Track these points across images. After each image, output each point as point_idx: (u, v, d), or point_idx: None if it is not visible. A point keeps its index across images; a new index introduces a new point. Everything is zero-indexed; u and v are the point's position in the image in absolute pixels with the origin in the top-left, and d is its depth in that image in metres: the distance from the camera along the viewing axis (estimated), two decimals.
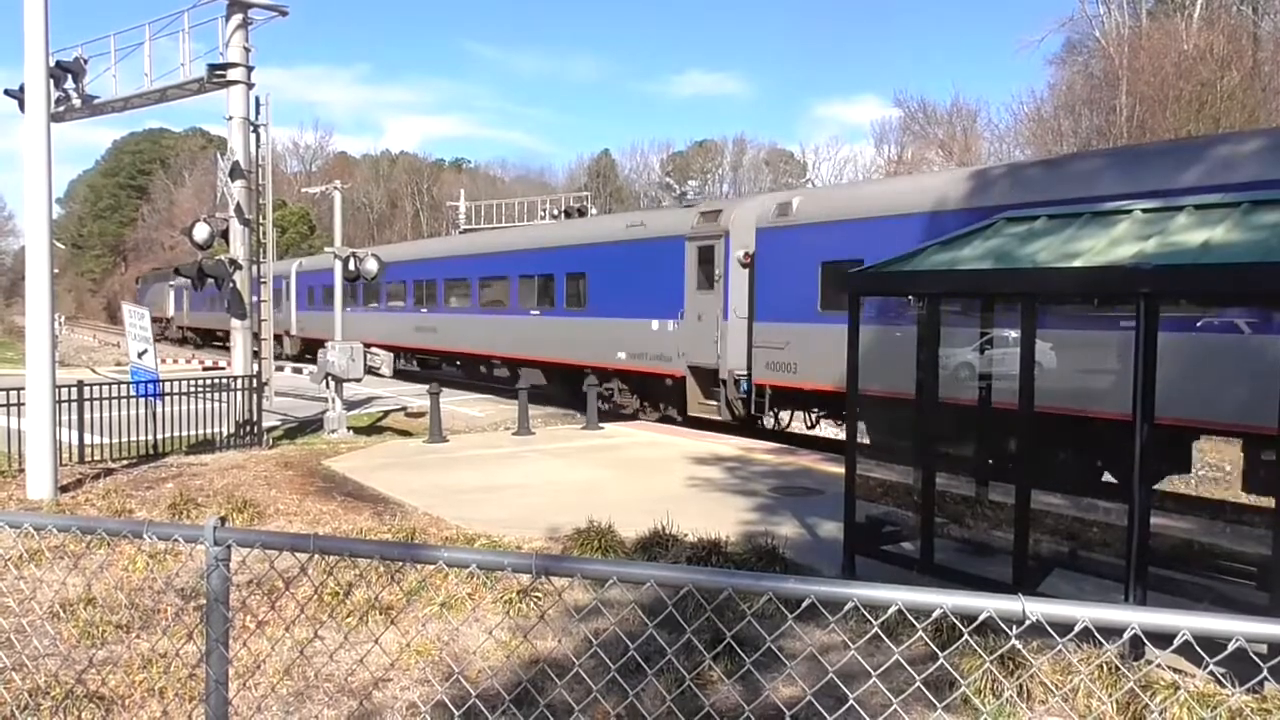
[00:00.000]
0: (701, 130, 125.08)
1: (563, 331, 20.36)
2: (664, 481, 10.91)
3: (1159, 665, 4.58)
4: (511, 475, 11.42)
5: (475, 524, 8.49)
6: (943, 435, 7.18)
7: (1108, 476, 10.60)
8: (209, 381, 14.34)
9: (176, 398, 13.22)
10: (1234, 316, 9.08)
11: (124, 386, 12.77)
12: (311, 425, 16.80)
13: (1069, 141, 33.88)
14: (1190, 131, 26.93)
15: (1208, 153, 10.40)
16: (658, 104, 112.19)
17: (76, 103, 14.48)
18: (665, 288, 17.13)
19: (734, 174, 68.42)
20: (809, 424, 16.47)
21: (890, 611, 2.12)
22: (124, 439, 12.49)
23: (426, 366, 28.03)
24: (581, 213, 29.89)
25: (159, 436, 12.87)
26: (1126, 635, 1.96)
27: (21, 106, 10.63)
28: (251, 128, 14.48)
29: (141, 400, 12.57)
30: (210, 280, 14.41)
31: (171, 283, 51.20)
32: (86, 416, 12.07)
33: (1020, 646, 2.29)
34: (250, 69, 14.35)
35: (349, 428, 16.06)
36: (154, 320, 13.56)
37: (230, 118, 14.36)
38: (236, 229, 14.43)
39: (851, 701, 2.84)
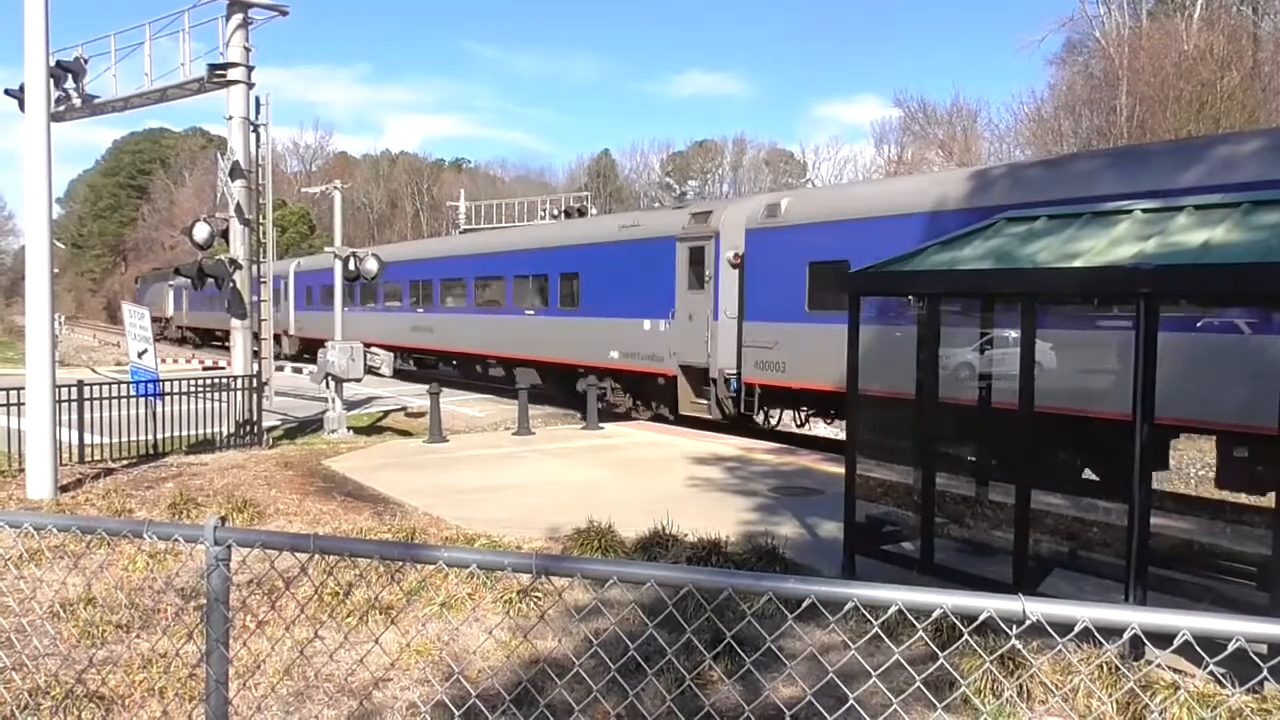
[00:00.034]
0: (701, 130, 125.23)
1: (557, 331, 20.51)
2: (664, 481, 10.91)
3: (1159, 665, 4.58)
4: (511, 475, 11.42)
5: (475, 524, 8.50)
6: (942, 435, 7.18)
7: (1089, 474, 10.65)
8: (209, 381, 14.35)
9: (176, 397, 13.22)
10: (1227, 316, 9.09)
11: (124, 386, 12.77)
12: (311, 425, 16.81)
13: (1069, 142, 33.88)
14: (1190, 132, 26.93)
15: (1208, 153, 10.40)
16: (658, 104, 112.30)
17: (77, 102, 14.47)
18: (657, 288, 17.31)
19: (734, 174, 68.43)
20: (799, 422, 16.65)
21: (890, 611, 2.12)
22: (124, 439, 12.49)
23: (423, 366, 28.12)
24: (581, 213, 29.89)
25: (159, 436, 12.87)
26: (1126, 635, 1.96)
27: (21, 106, 10.64)
28: (251, 127, 14.48)
29: (141, 400, 12.57)
30: (210, 280, 14.42)
31: (171, 282, 51.25)
32: (86, 416, 12.07)
33: (1020, 646, 2.29)
34: (250, 69, 14.35)
35: (349, 428, 16.06)
36: (153, 320, 13.56)
37: (230, 117, 14.36)
38: (236, 229, 14.44)
39: (851, 701, 2.84)
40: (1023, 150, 37.58)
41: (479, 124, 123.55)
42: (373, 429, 17.28)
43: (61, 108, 13.89)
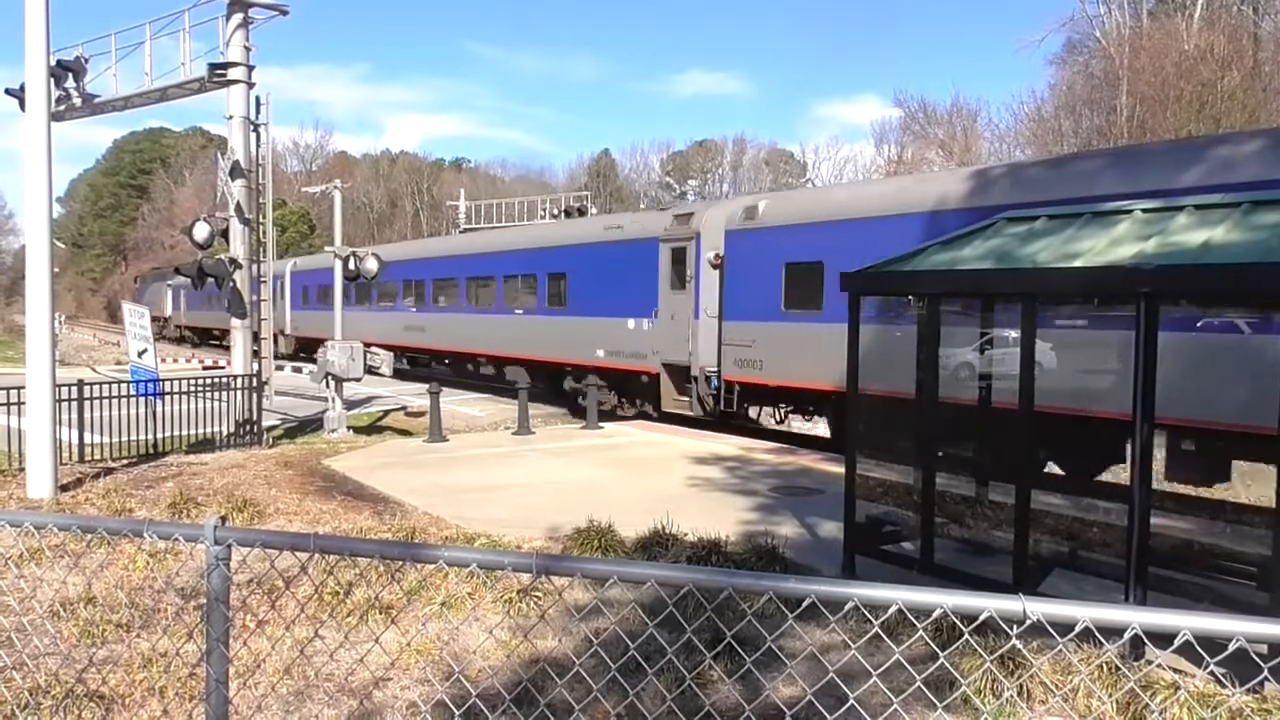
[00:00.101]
0: (702, 130, 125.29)
1: (545, 330, 20.90)
2: (664, 481, 10.91)
3: (1159, 665, 4.59)
4: (511, 474, 11.42)
5: (475, 523, 8.50)
6: (941, 435, 7.18)
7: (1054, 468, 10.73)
8: (209, 381, 14.35)
9: (176, 397, 13.22)
10: (1225, 317, 9.12)
11: (124, 385, 12.77)
12: (311, 425, 16.81)
13: (1069, 142, 33.88)
14: (1191, 132, 26.93)
15: (1208, 153, 10.41)
16: (658, 104, 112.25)
17: (77, 102, 14.47)
18: (641, 288, 17.67)
19: (734, 174, 68.44)
20: (777, 419, 16.96)
21: (890, 611, 2.12)
22: (124, 438, 12.49)
23: (416, 365, 28.30)
24: (581, 212, 29.90)
25: (159, 436, 12.87)
26: (1127, 635, 1.96)
27: (22, 105, 10.63)
28: (252, 127, 14.48)
29: (141, 399, 12.57)
30: (210, 279, 14.42)
31: (169, 282, 51.31)
32: (87, 415, 12.07)
33: (1020, 646, 2.29)
34: (250, 68, 14.35)
35: (349, 427, 16.06)
36: (152, 319, 13.56)
37: (230, 117, 14.36)
38: (236, 228, 14.44)
39: (852, 701, 2.85)
40: (1023, 150, 37.60)
41: (479, 124, 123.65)
42: (373, 428, 17.29)
43: (62, 107, 13.88)
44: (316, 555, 2.98)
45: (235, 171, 14.32)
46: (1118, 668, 4.74)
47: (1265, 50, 31.82)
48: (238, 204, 14.38)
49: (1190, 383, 8.72)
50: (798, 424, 17.41)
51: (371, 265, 17.25)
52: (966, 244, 6.53)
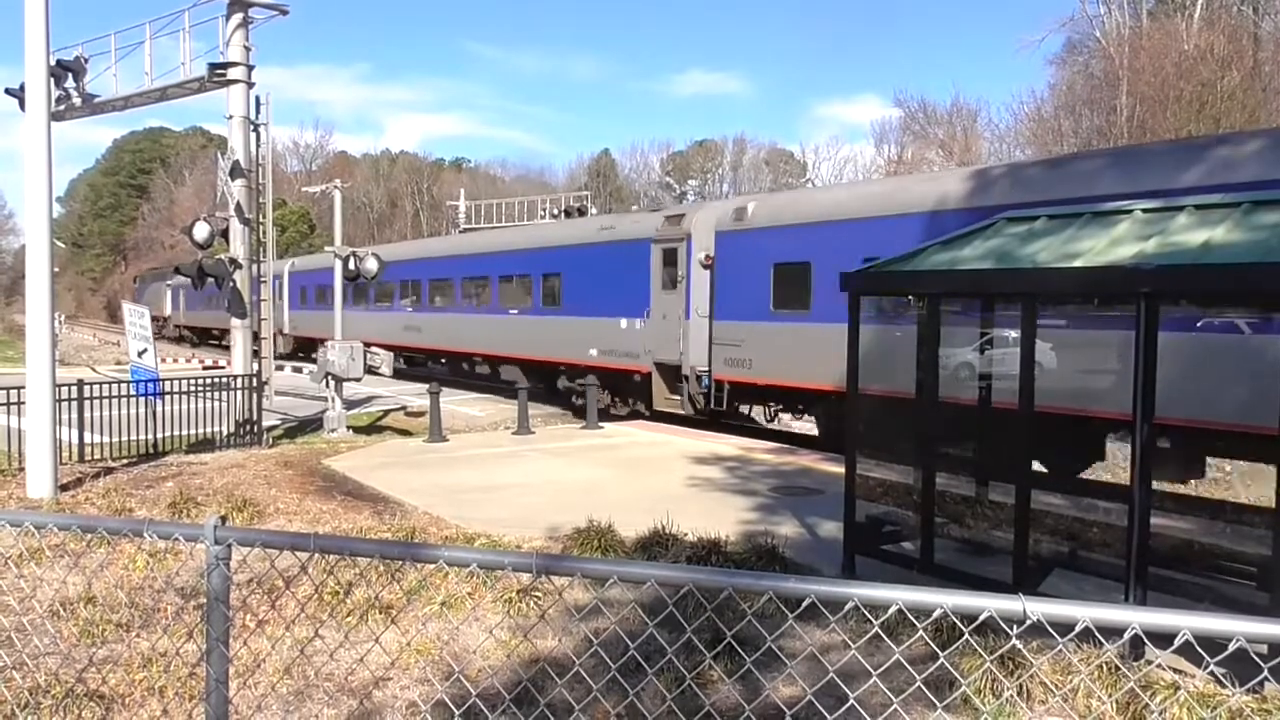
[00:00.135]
0: (702, 130, 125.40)
1: (540, 330, 21.13)
2: (664, 481, 10.91)
3: (1159, 665, 4.59)
4: (511, 474, 11.42)
5: (475, 523, 8.50)
6: (939, 435, 7.19)
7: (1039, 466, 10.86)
8: (209, 380, 14.35)
9: (176, 397, 13.22)
10: (1222, 316, 9.15)
11: (124, 385, 12.77)
12: (311, 424, 16.81)
13: (1069, 142, 33.87)
14: (1191, 132, 26.93)
15: (1208, 153, 10.41)
16: (658, 103, 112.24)
17: (77, 101, 14.47)
18: (633, 288, 17.88)
19: (734, 174, 68.45)
20: (768, 417, 17.20)
21: (890, 611, 2.12)
22: (124, 438, 12.49)
23: (413, 364, 28.42)
24: (581, 212, 29.91)
25: (159, 435, 12.87)
26: (1127, 635, 1.96)
27: (22, 105, 10.63)
28: (252, 127, 14.48)
29: (141, 399, 12.57)
30: (210, 279, 14.42)
31: (169, 282, 51.36)
32: (86, 415, 12.07)
33: (1020, 646, 2.29)
34: (250, 68, 14.35)
35: (349, 427, 16.06)
36: (151, 319, 13.57)
37: (230, 117, 14.36)
38: (236, 228, 14.44)
39: (852, 701, 2.85)
40: (1023, 150, 37.60)
41: (479, 123, 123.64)
42: (372, 428, 17.29)
43: (62, 107, 13.88)
44: (316, 555, 2.98)
45: (235, 171, 14.32)
46: (1118, 668, 4.74)
47: (1265, 50, 31.82)
48: (238, 204, 14.38)
49: (1190, 383, 8.72)
50: (798, 424, 17.61)
51: (372, 265, 17.25)
52: (966, 244, 6.53)
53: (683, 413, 16.89)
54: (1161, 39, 32.32)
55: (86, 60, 14.46)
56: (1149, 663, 4.76)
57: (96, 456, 12.26)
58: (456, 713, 3.42)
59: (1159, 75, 30.50)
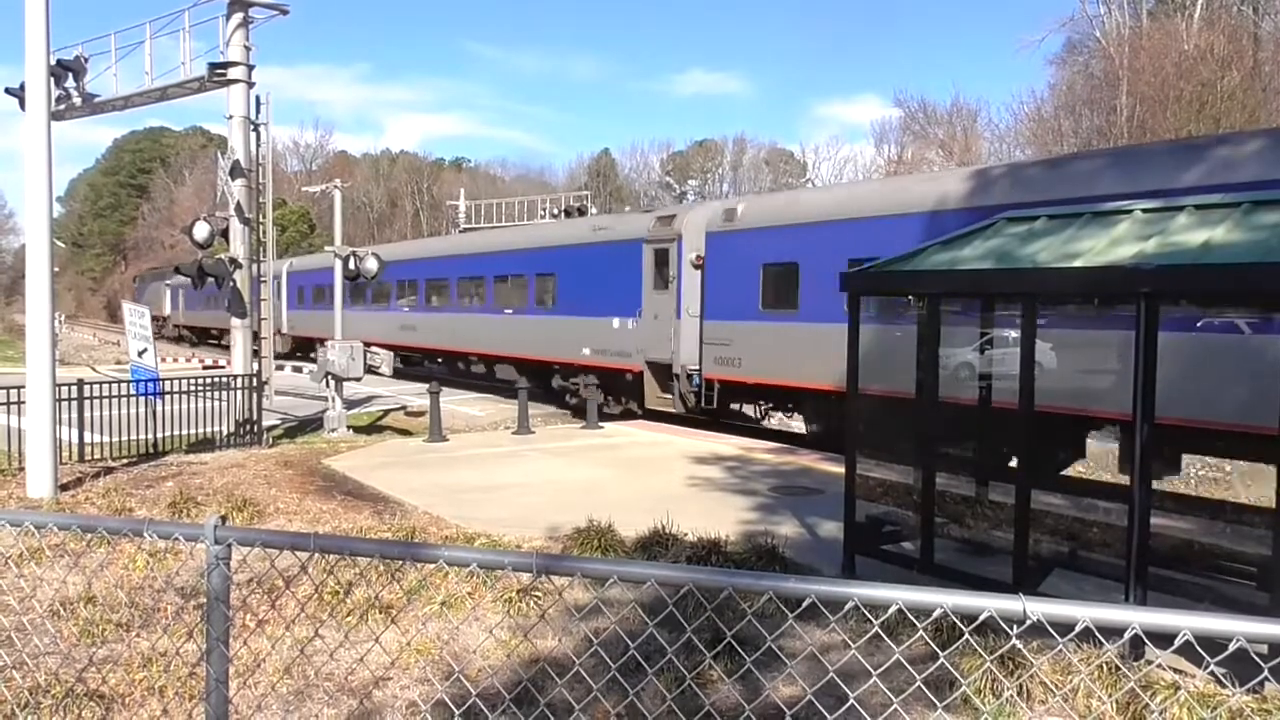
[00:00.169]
0: (702, 130, 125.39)
1: (534, 330, 21.40)
2: (664, 481, 10.91)
3: (1159, 665, 4.59)
4: (511, 474, 11.42)
5: (475, 523, 8.50)
6: (935, 434, 7.19)
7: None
8: (209, 380, 14.35)
9: (176, 396, 13.22)
10: (1218, 316, 9.19)
11: (124, 385, 12.77)
12: (311, 424, 16.81)
13: (1069, 141, 33.87)
14: (1190, 131, 26.93)
15: (1208, 153, 10.41)
16: (658, 103, 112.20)
17: (77, 101, 14.47)
18: (625, 288, 18.12)
19: (734, 174, 68.42)
20: (758, 416, 17.45)
21: (890, 611, 2.12)
22: (124, 437, 12.49)
23: (409, 363, 28.54)
24: (581, 212, 29.93)
25: (159, 435, 12.87)
26: (1127, 635, 1.96)
27: (22, 105, 10.63)
28: (252, 126, 14.48)
29: (141, 399, 12.57)
30: (210, 279, 14.42)
31: (168, 282, 51.41)
32: (87, 415, 12.07)
33: (1020, 646, 2.29)
34: (250, 68, 14.35)
35: (349, 427, 16.06)
36: (151, 319, 13.56)
37: (230, 116, 14.36)
38: (236, 228, 14.44)
39: (852, 701, 2.85)
40: (1023, 150, 37.59)
41: (479, 123, 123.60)
42: (373, 428, 17.29)
43: (62, 106, 13.88)
44: (316, 555, 2.98)
45: (235, 171, 14.32)
46: (1118, 668, 4.74)
47: (1265, 50, 31.82)
48: (238, 203, 14.38)
49: (1189, 383, 8.72)
50: (797, 424, 17.73)
51: (372, 265, 17.25)
52: (966, 244, 6.53)
53: (674, 411, 17.13)
54: (1161, 39, 32.32)
55: (86, 60, 14.46)
56: (1149, 663, 4.76)
57: (96, 456, 12.26)
58: (456, 713, 3.42)
59: (1159, 75, 30.50)
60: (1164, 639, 1.97)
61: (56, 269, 11.92)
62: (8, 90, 13.26)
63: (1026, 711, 4.54)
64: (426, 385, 15.88)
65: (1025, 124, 39.22)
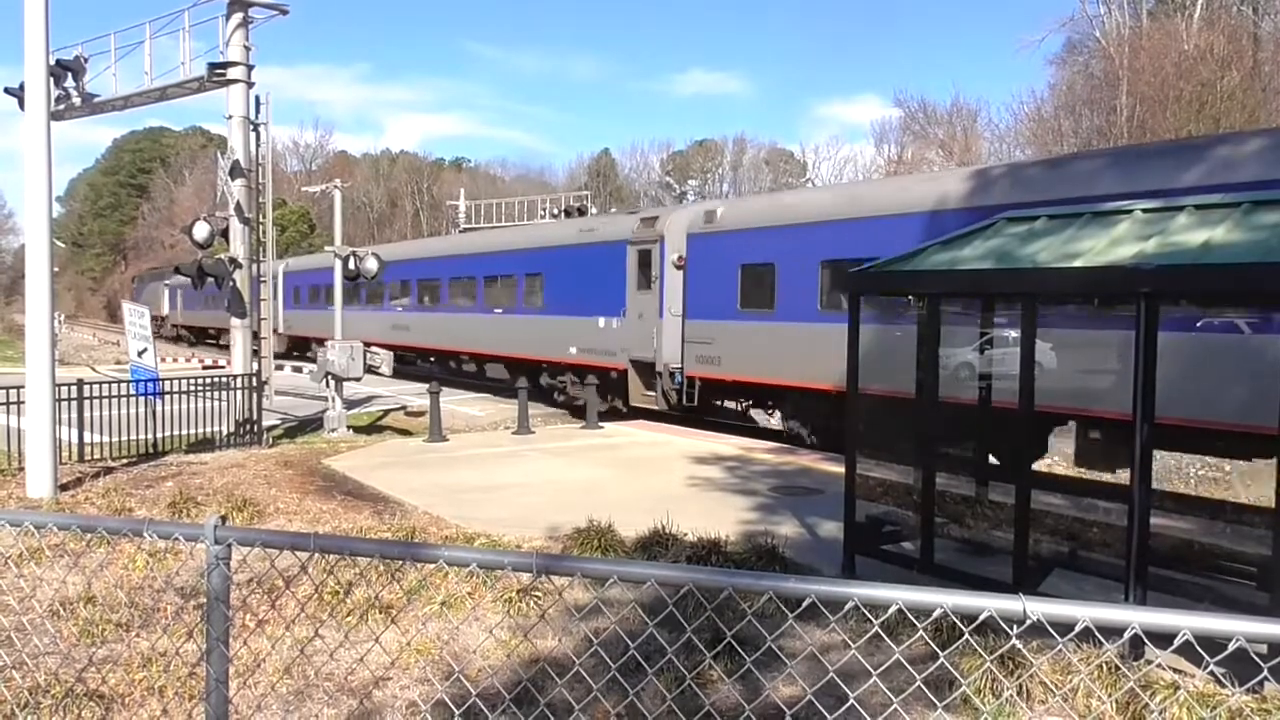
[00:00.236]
0: (702, 129, 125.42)
1: (522, 329, 21.78)
2: (664, 481, 10.91)
3: (1159, 665, 4.59)
4: (511, 474, 11.42)
5: (475, 523, 8.50)
6: (935, 434, 7.19)
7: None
8: (209, 380, 14.35)
9: (176, 396, 13.22)
10: (1215, 317, 9.23)
11: (124, 385, 12.77)
12: (311, 424, 16.81)
13: (1069, 141, 33.87)
14: (1190, 131, 26.93)
15: (1208, 153, 10.41)
16: (658, 103, 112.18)
17: (77, 101, 14.47)
18: (610, 288, 18.50)
19: (734, 174, 68.40)
20: (740, 411, 17.80)
21: (890, 611, 2.12)
22: (124, 437, 12.49)
23: (402, 362, 28.67)
24: (581, 212, 29.94)
25: (159, 435, 12.87)
26: (1126, 635, 1.96)
27: (22, 105, 10.63)
28: (251, 126, 14.48)
29: (141, 399, 12.57)
30: (210, 279, 14.42)
31: (166, 282, 51.47)
32: (86, 415, 12.07)
33: (1020, 646, 2.29)
34: (250, 68, 14.35)
35: (349, 427, 16.06)
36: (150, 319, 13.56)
37: (230, 116, 14.36)
38: (236, 228, 14.44)
39: (852, 701, 2.85)
40: (1023, 150, 37.59)
41: (479, 123, 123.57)
42: (373, 428, 17.29)
43: (61, 106, 13.88)
44: (316, 555, 2.98)
45: (235, 171, 14.32)
46: (1118, 668, 4.74)
47: (1265, 50, 31.81)
48: (238, 203, 14.38)
49: (1189, 383, 8.73)
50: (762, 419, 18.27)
51: (371, 265, 17.27)
52: (966, 244, 6.53)
53: (657, 408, 17.52)
54: (1161, 39, 32.32)
55: (86, 60, 14.46)
56: (1149, 663, 4.76)
57: (96, 456, 12.26)
58: (456, 712, 3.42)
59: (1159, 75, 30.50)
60: (1164, 639, 1.97)
61: (56, 269, 11.92)
62: (8, 90, 13.26)
63: (1026, 711, 4.54)
64: (426, 385, 15.89)
65: (1025, 124, 39.25)
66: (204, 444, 13.56)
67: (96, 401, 12.41)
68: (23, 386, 10.31)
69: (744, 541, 7.59)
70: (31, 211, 9.96)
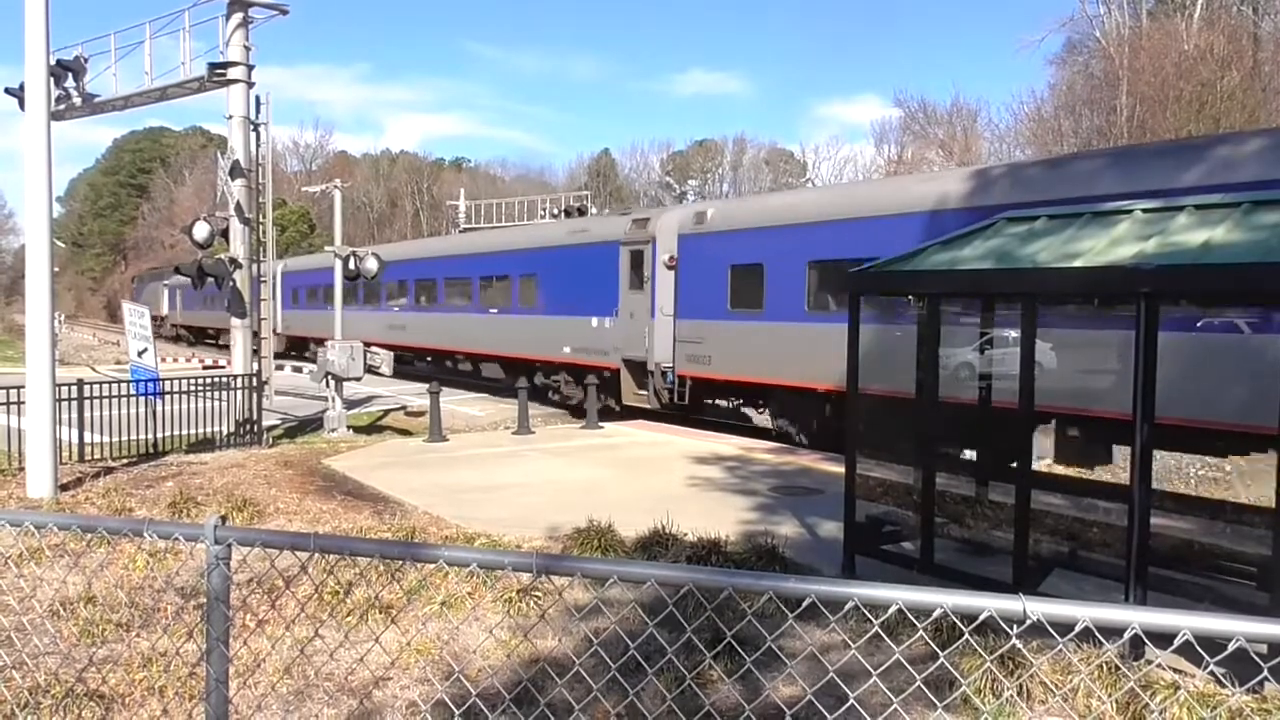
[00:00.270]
0: (702, 129, 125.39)
1: (517, 329, 22.02)
2: (664, 481, 10.91)
3: (1159, 665, 4.59)
4: (511, 474, 11.42)
5: (475, 523, 8.50)
6: (935, 434, 7.19)
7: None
8: (209, 380, 14.35)
9: (176, 396, 13.22)
10: (1214, 317, 9.25)
11: (124, 385, 12.77)
12: (311, 424, 16.81)
13: (1069, 141, 33.86)
14: (1190, 131, 26.92)
15: (1208, 153, 10.42)
16: (658, 103, 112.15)
17: (77, 101, 14.47)
18: (603, 288, 18.72)
19: (734, 174, 68.38)
20: (731, 410, 18.05)
21: (890, 611, 2.12)
22: (124, 437, 12.49)
23: (399, 362, 28.73)
24: (581, 212, 29.96)
25: (159, 435, 12.87)
26: (1127, 635, 1.96)
27: (22, 105, 10.63)
28: (252, 126, 14.48)
29: (141, 399, 12.57)
30: (210, 279, 14.42)
31: (165, 282, 51.51)
32: (86, 415, 12.07)
33: (1020, 646, 2.29)
34: (250, 68, 14.35)
35: (349, 427, 16.06)
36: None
37: (230, 116, 14.36)
38: (236, 228, 14.44)
39: (852, 701, 2.85)
40: (1023, 150, 37.58)
41: (479, 123, 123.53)
42: (373, 428, 17.29)
43: (62, 106, 13.88)
44: (316, 555, 2.98)
45: (235, 171, 14.32)
46: (1118, 668, 4.74)
47: (1265, 50, 31.81)
48: (238, 203, 14.38)
49: (1189, 383, 8.73)
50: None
51: (372, 265, 17.27)
52: (966, 244, 6.53)
53: (649, 407, 17.70)
54: (1161, 39, 32.31)
55: (86, 60, 14.46)
56: (1149, 663, 4.76)
57: (96, 456, 12.26)
58: (456, 713, 3.42)
59: (1159, 75, 30.49)
60: (1164, 639, 1.97)
61: (56, 269, 11.92)
62: (8, 90, 13.26)
63: (1026, 711, 4.54)
64: (426, 385, 15.90)
65: (1025, 124, 39.22)
66: (204, 444, 13.56)
67: (97, 401, 12.41)
68: (23, 386, 10.31)
69: (744, 541, 7.59)
70: (31, 211, 9.97)
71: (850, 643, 4.23)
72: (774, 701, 4.29)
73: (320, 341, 19.71)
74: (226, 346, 16.16)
